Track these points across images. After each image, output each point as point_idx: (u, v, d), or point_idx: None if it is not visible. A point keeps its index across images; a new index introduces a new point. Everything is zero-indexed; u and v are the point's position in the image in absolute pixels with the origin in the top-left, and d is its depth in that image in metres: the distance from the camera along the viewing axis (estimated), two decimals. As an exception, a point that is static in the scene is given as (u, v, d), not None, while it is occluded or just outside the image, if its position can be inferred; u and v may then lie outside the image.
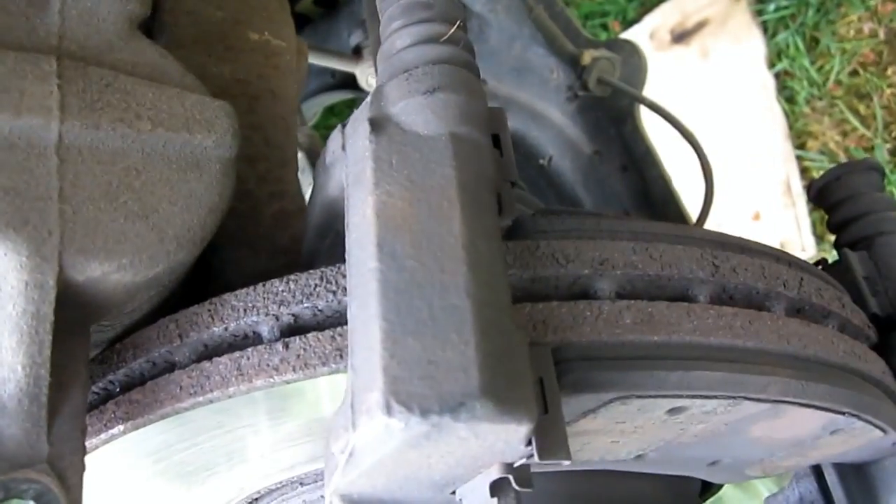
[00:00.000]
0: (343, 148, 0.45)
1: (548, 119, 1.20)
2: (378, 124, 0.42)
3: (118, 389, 0.49)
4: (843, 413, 0.49)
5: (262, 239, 0.65)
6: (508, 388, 0.34)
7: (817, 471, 0.62)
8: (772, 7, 1.70)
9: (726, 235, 0.53)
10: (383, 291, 0.36)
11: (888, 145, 1.54)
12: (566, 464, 0.37)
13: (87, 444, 0.48)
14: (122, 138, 0.45)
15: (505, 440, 0.35)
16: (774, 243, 1.62)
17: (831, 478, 0.60)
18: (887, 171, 1.46)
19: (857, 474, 0.61)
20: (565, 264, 0.44)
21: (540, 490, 0.54)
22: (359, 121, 0.44)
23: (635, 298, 0.44)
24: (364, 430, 0.34)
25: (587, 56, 0.97)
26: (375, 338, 0.35)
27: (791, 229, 1.50)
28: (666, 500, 0.61)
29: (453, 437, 0.34)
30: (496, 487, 0.38)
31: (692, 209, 1.01)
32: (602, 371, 0.41)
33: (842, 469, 0.61)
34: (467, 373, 0.34)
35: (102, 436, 0.47)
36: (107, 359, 0.50)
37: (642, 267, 0.45)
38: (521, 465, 0.38)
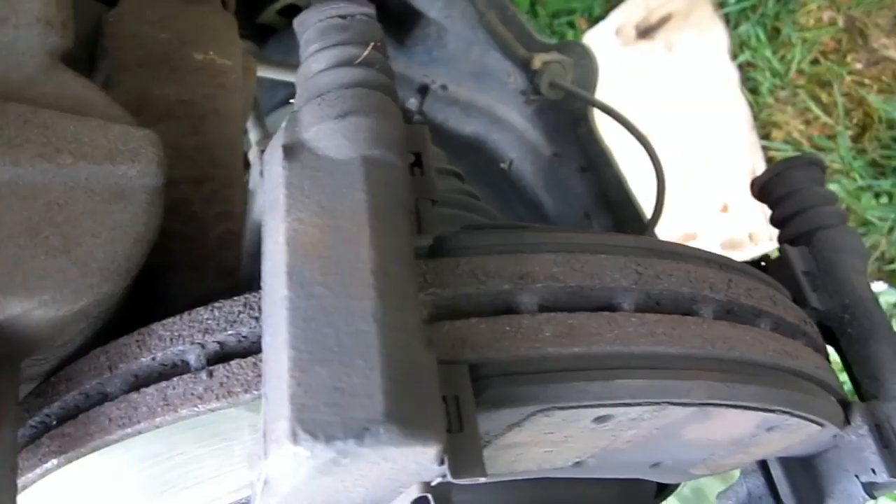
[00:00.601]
0: (261, 174, 0.45)
1: (508, 122, 1.21)
2: (291, 150, 0.43)
3: (55, 422, 0.49)
4: (774, 411, 0.50)
5: (208, 261, 0.66)
6: (414, 411, 0.35)
7: (764, 466, 0.63)
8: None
9: (654, 241, 0.53)
10: (292, 319, 0.37)
11: (850, 132, 1.56)
12: (482, 480, 0.37)
13: (24, 479, 0.48)
14: (43, 173, 0.46)
15: (415, 461, 0.36)
16: (743, 235, 1.63)
17: (777, 472, 0.61)
18: (850, 157, 1.48)
19: (803, 467, 0.61)
20: (485, 280, 0.44)
21: (490, 500, 0.55)
22: (274, 147, 0.44)
23: (558, 310, 0.45)
24: (274, 459, 0.35)
25: (538, 60, 0.98)
26: (284, 366, 0.36)
27: (759, 221, 1.51)
28: (618, 502, 0.62)
29: (362, 461, 0.35)
30: (416, 506, 0.38)
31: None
32: (521, 386, 0.42)
33: (787, 463, 0.61)
34: (372, 398, 0.34)
35: (38, 470, 0.47)
36: (43, 392, 0.50)
37: (564, 279, 0.45)
38: (439, 484, 0.38)
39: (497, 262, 0.45)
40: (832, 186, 1.43)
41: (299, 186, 0.41)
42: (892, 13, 1.50)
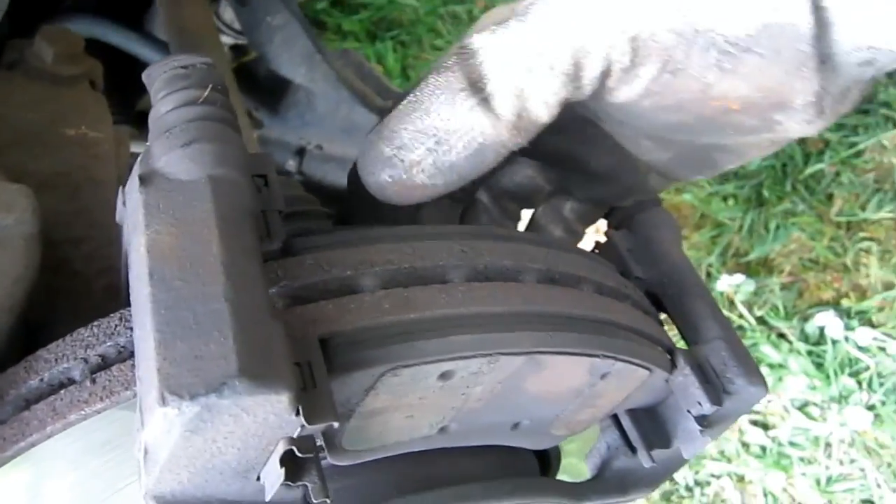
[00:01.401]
0: (124, 204, 0.52)
1: (380, 170, 1.30)
2: (146, 178, 0.49)
3: None
4: (598, 355, 0.58)
5: (93, 311, 0.70)
6: (264, 366, 0.42)
7: (616, 421, 0.71)
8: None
9: (483, 228, 0.62)
10: (155, 310, 0.43)
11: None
12: (335, 426, 0.44)
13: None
14: (-76, 227, 0.51)
15: (272, 412, 0.42)
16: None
17: (626, 423, 0.69)
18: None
19: (648, 416, 0.70)
20: (329, 269, 0.51)
21: (366, 480, 0.61)
22: (132, 179, 0.51)
23: (396, 288, 0.52)
24: (149, 426, 0.41)
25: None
26: (150, 348, 0.42)
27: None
28: (494, 473, 0.68)
29: (225, 414, 0.41)
30: (284, 459, 0.45)
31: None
32: (367, 349, 0.49)
33: (634, 414, 0.70)
34: (227, 359, 0.41)
35: (-60, 501, 0.51)
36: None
37: (398, 262, 0.53)
38: (301, 436, 0.45)
39: (339, 254, 0.52)
40: (686, 196, 1.59)
41: (155, 205, 0.48)
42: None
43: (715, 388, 0.65)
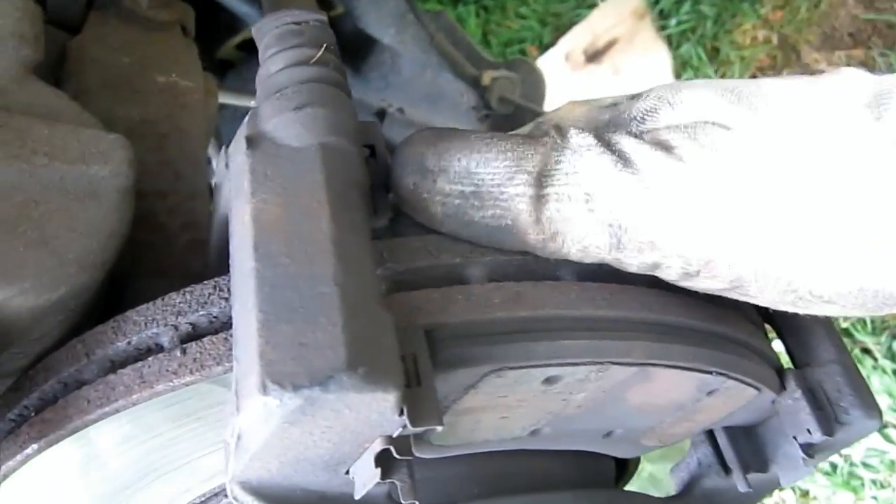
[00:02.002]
0: (227, 166, 0.49)
1: (463, 141, 1.26)
2: (253, 141, 0.46)
3: (33, 413, 0.51)
4: (711, 372, 0.54)
5: (175, 267, 0.69)
6: (373, 361, 0.38)
7: (711, 437, 0.67)
8: (673, 22, 1.80)
9: None
10: (259, 287, 0.40)
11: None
12: (439, 430, 0.41)
13: (5, 467, 0.50)
14: (19, 173, 0.49)
15: (376, 410, 0.39)
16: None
17: (723, 441, 0.65)
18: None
19: (747, 436, 0.65)
20: (437, 255, 0.48)
21: (447, 474, 0.58)
22: (238, 139, 0.47)
23: (505, 281, 0.48)
24: (246, 413, 0.38)
25: (487, 77, 1.03)
26: (253, 328, 0.39)
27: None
28: (575, 479, 0.65)
29: (327, 409, 0.38)
30: (379, 458, 0.41)
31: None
32: (474, 347, 0.45)
33: (731, 432, 0.65)
34: (335, 350, 0.38)
35: (18, 457, 0.49)
36: (20, 386, 0.52)
37: (509, 252, 0.49)
38: (400, 436, 0.41)
39: (448, 239, 0.49)
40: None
41: (262, 172, 0.45)
42: (820, 29, 1.59)
43: (827, 416, 0.60)
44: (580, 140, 0.45)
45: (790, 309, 0.48)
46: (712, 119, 0.45)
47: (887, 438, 1.39)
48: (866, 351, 1.42)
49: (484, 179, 0.46)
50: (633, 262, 0.47)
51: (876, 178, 0.42)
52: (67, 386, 0.50)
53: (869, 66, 1.67)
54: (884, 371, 1.39)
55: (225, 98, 1.29)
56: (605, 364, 0.49)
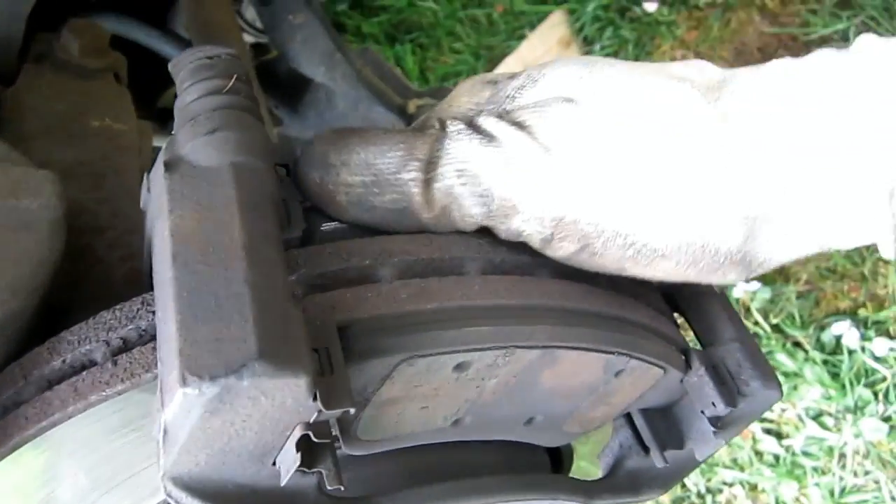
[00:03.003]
0: (148, 190, 0.52)
1: (398, 169, 1.31)
2: (171, 164, 0.50)
3: None
4: (613, 352, 0.58)
5: (114, 298, 0.72)
6: (283, 350, 0.42)
7: (629, 420, 0.71)
8: (597, 47, 1.89)
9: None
10: (178, 293, 0.44)
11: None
12: (352, 411, 0.44)
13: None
14: (-48, 209, 0.52)
15: (291, 396, 0.43)
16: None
17: (640, 422, 0.69)
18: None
19: (662, 416, 0.70)
20: (348, 259, 0.52)
21: (378, 471, 0.61)
22: (157, 165, 0.52)
23: (413, 278, 0.53)
24: (170, 406, 0.41)
25: (412, 105, 1.09)
26: (172, 330, 0.42)
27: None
28: (507, 468, 0.68)
29: (244, 396, 0.41)
30: (300, 444, 0.45)
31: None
32: (384, 338, 0.49)
33: (648, 414, 0.70)
34: (247, 342, 0.41)
35: (-40, 479, 0.52)
36: (-39, 412, 0.54)
37: (416, 253, 0.54)
38: (317, 421, 0.45)
39: (357, 244, 0.53)
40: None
41: (179, 191, 0.49)
42: (732, 45, 1.69)
43: (730, 389, 0.65)
44: (455, 128, 0.53)
45: (632, 267, 0.54)
46: (564, 94, 0.51)
47: (824, 426, 1.45)
48: (797, 344, 1.49)
49: (381, 169, 0.52)
50: (502, 227, 0.54)
51: (700, 147, 0.49)
52: (7, 409, 0.53)
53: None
54: (814, 362, 1.46)
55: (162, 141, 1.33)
56: (509, 348, 0.53)
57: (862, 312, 1.46)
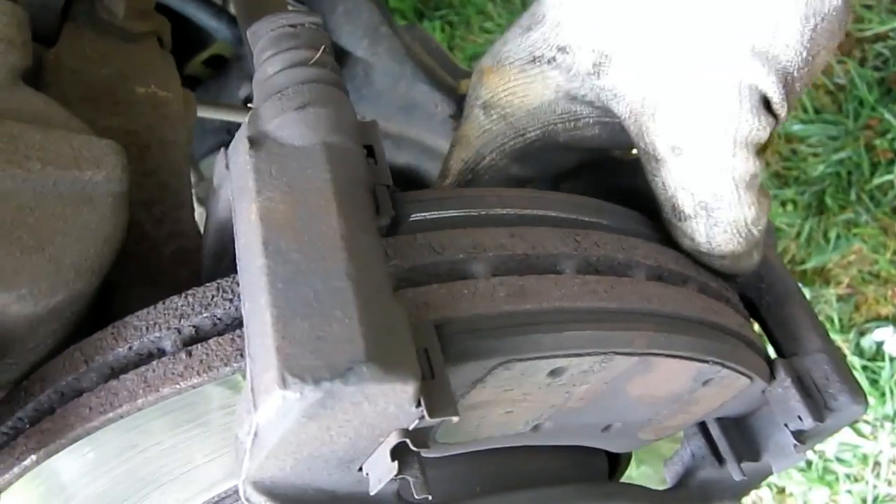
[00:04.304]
0: (227, 167, 0.48)
1: (438, 151, 1.26)
2: (256, 141, 0.46)
3: (28, 425, 0.50)
4: (707, 361, 0.55)
5: (163, 276, 0.68)
6: (391, 352, 0.38)
7: (704, 429, 0.68)
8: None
9: (589, 210, 0.58)
10: (271, 283, 0.40)
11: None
12: (455, 420, 0.41)
13: (1, 480, 0.49)
14: (13, 179, 0.48)
15: (395, 402, 0.39)
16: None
17: (715, 432, 0.66)
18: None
19: (738, 426, 0.67)
20: (441, 251, 0.48)
21: (448, 474, 0.58)
22: (239, 140, 0.47)
23: (509, 275, 0.49)
24: (264, 408, 0.37)
25: (464, 85, 1.04)
26: (267, 324, 0.39)
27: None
28: (570, 475, 0.65)
29: (346, 402, 0.38)
30: (396, 451, 0.41)
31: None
32: (482, 340, 0.45)
33: (724, 423, 0.66)
34: (353, 343, 0.38)
35: (15, 469, 0.48)
36: (13, 398, 0.51)
37: (511, 248, 0.50)
38: (416, 429, 0.41)
39: (450, 235, 0.49)
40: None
41: (267, 171, 0.45)
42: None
43: (816, 402, 0.62)
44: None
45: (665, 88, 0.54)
46: None
47: (859, 433, 1.42)
48: (836, 348, 1.45)
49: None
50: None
51: None
52: (65, 395, 0.49)
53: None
54: (853, 367, 1.42)
55: (198, 112, 1.28)
56: (608, 354, 0.49)
57: (905, 319, 1.43)
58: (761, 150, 0.55)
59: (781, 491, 1.45)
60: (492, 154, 0.63)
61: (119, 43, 0.86)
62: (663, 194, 0.57)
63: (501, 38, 0.63)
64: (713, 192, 0.54)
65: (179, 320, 0.47)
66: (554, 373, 0.49)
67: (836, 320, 1.48)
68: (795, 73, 0.52)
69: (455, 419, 0.41)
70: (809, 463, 1.44)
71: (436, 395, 0.40)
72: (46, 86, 0.78)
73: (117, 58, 0.83)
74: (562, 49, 0.57)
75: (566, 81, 0.58)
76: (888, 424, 1.41)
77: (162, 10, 1.17)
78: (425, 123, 1.25)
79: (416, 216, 0.50)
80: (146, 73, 0.83)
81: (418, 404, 0.40)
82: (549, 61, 0.58)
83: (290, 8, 1.46)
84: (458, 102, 1.10)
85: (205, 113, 1.25)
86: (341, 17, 1.24)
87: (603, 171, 0.69)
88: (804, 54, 0.52)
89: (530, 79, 0.60)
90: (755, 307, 0.69)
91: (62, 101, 0.77)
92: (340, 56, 1.28)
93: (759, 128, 0.52)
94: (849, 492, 1.42)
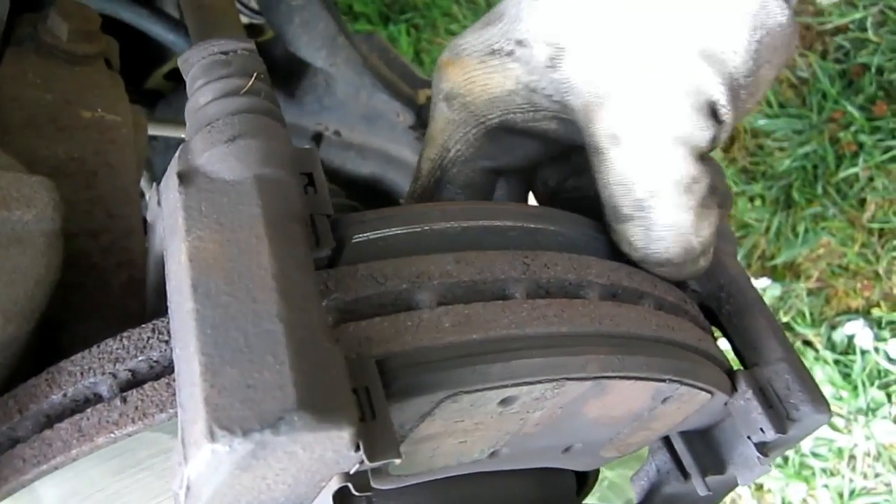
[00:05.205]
0: (159, 203, 0.47)
1: (401, 160, 1.25)
2: (186, 176, 0.44)
3: None
4: (664, 380, 0.54)
5: (112, 309, 0.66)
6: (325, 398, 0.37)
7: (668, 443, 0.67)
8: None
9: (538, 219, 0.56)
10: (200, 328, 0.38)
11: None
12: (398, 462, 0.39)
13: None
14: (-64, 223, 0.46)
15: (332, 448, 0.37)
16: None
17: (679, 446, 0.65)
18: (722, 166, 1.59)
19: (703, 439, 0.66)
20: (384, 282, 0.47)
21: (409, 503, 0.56)
22: (169, 175, 0.46)
23: (455, 304, 0.48)
24: (194, 462, 0.36)
25: (422, 95, 1.03)
26: (196, 372, 0.37)
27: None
28: (536, 496, 0.64)
29: (280, 452, 0.36)
30: (338, 497, 0.40)
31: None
32: (427, 373, 0.44)
33: (688, 436, 0.66)
34: (284, 390, 0.36)
35: (-51, 527, 0.46)
36: (-52, 448, 0.49)
37: (457, 274, 0.48)
38: (357, 473, 0.40)
39: (393, 264, 0.48)
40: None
41: (196, 208, 0.43)
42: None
43: (779, 414, 0.61)
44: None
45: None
46: None
47: (834, 427, 1.43)
48: (807, 343, 1.46)
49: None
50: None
51: None
52: (0, 445, 0.48)
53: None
54: (825, 362, 1.43)
55: (155, 130, 1.26)
56: (560, 381, 0.48)
57: (875, 312, 1.43)
58: (704, 155, 0.55)
59: (759, 488, 1.46)
60: (457, 145, 0.63)
61: (64, 66, 0.83)
62: (604, 192, 0.57)
63: (460, 34, 0.63)
64: (649, 189, 0.54)
65: (115, 364, 0.46)
66: (505, 402, 0.48)
67: (807, 314, 1.48)
68: (742, 81, 0.53)
69: (398, 461, 0.39)
70: (786, 458, 1.44)
71: (376, 438, 0.39)
72: (-13, 114, 0.76)
73: (62, 82, 0.81)
74: (519, 42, 0.58)
75: (525, 74, 0.59)
76: (861, 418, 1.42)
77: (119, 25, 1.15)
78: (388, 133, 1.24)
79: (358, 237, 0.49)
80: (92, 96, 0.81)
81: (357, 448, 0.38)
82: (507, 54, 0.59)
83: (245, 20, 1.44)
84: (418, 112, 1.09)
85: (165, 131, 1.23)
86: (299, 28, 1.22)
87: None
88: (750, 64, 0.53)
89: (490, 69, 0.60)
90: (716, 317, 0.68)
91: (2, 129, 0.75)
92: (300, 66, 1.26)
93: (700, 128, 0.53)
94: (825, 486, 1.42)
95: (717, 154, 1.68)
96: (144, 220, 0.79)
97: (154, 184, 0.48)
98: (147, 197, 1.25)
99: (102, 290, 0.66)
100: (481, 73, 0.60)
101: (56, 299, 0.58)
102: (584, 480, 0.71)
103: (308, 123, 1.31)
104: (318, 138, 1.31)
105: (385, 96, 1.18)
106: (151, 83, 1.40)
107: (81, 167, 0.74)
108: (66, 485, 0.48)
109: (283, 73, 1.28)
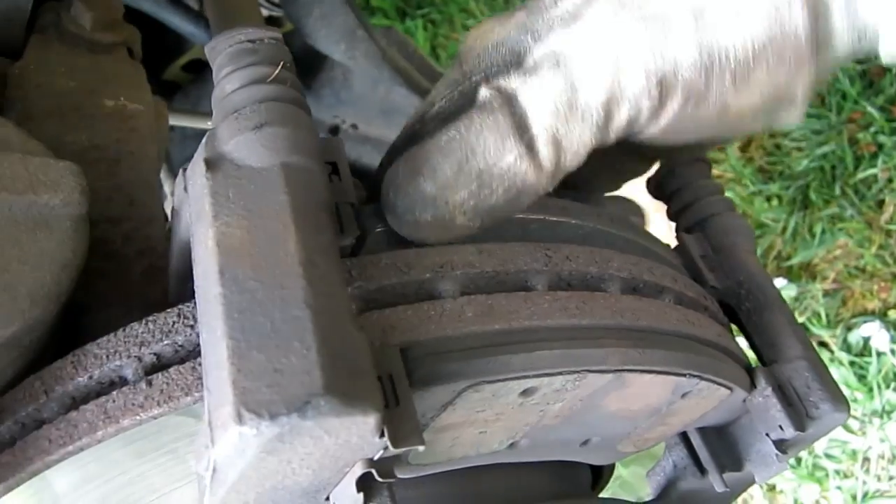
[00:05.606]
0: (185, 190, 0.47)
1: (419, 154, 1.25)
2: (213, 163, 0.45)
3: None
4: (685, 375, 0.54)
5: (133, 296, 0.66)
6: (351, 383, 0.37)
7: (685, 439, 0.67)
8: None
9: (559, 222, 0.56)
10: (227, 313, 0.39)
11: (737, 143, 1.68)
12: (421, 449, 0.40)
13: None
14: (-35, 206, 0.46)
15: (357, 434, 0.38)
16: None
17: (697, 442, 0.65)
18: (739, 166, 1.58)
19: (720, 435, 0.66)
20: (407, 271, 0.47)
21: (426, 494, 0.57)
22: (196, 162, 0.46)
23: (477, 294, 0.48)
24: (221, 444, 0.36)
25: (441, 89, 1.03)
26: (223, 356, 0.37)
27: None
28: (552, 490, 0.64)
29: (305, 436, 0.37)
30: (361, 483, 0.40)
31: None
32: (449, 363, 0.44)
33: (705, 432, 0.66)
34: (311, 374, 0.37)
35: (-26, 505, 0.47)
36: (-28, 430, 0.49)
37: (480, 265, 0.49)
38: (381, 459, 0.40)
39: (416, 254, 0.48)
40: (726, 194, 1.53)
41: (224, 194, 0.43)
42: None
43: (797, 411, 0.61)
44: (510, 81, 0.50)
45: (734, 99, 0.51)
46: None
47: (848, 429, 1.42)
48: (823, 344, 1.45)
49: (481, 167, 0.48)
50: (613, 128, 0.51)
51: None
52: (25, 426, 0.48)
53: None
54: (840, 363, 1.42)
55: (173, 120, 1.27)
56: (581, 373, 0.48)
57: (892, 314, 1.42)
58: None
59: (772, 488, 1.45)
60: (441, 101, 0.60)
61: (87, 55, 0.84)
62: None
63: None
64: None
65: (140, 348, 0.46)
66: (526, 393, 0.48)
67: (823, 316, 1.47)
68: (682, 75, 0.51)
69: (421, 448, 0.40)
70: (799, 460, 1.44)
71: (400, 425, 0.39)
72: (10, 101, 0.76)
73: (85, 70, 0.82)
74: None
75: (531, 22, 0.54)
76: (876, 420, 1.41)
77: (138, 16, 1.16)
78: (405, 127, 1.24)
79: (381, 227, 0.49)
80: (115, 85, 0.82)
81: (382, 434, 0.39)
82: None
83: (264, 13, 1.44)
84: (436, 106, 1.09)
85: (183, 121, 1.23)
86: (318, 21, 1.22)
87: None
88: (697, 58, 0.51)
89: (500, 20, 0.57)
90: (735, 314, 0.68)
91: (27, 116, 0.76)
92: (318, 59, 1.27)
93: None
94: (839, 488, 1.41)
95: (734, 153, 1.68)
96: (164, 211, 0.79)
97: (181, 170, 0.48)
98: (165, 187, 1.25)
99: (123, 276, 0.67)
100: (491, 23, 0.57)
101: (78, 285, 0.59)
102: (599, 475, 0.72)
103: (325, 116, 1.31)
104: (335, 131, 1.31)
105: (403, 90, 1.18)
106: (169, 74, 1.41)
107: (104, 155, 0.75)
108: (84, 470, 0.48)
109: (302, 65, 1.29)
